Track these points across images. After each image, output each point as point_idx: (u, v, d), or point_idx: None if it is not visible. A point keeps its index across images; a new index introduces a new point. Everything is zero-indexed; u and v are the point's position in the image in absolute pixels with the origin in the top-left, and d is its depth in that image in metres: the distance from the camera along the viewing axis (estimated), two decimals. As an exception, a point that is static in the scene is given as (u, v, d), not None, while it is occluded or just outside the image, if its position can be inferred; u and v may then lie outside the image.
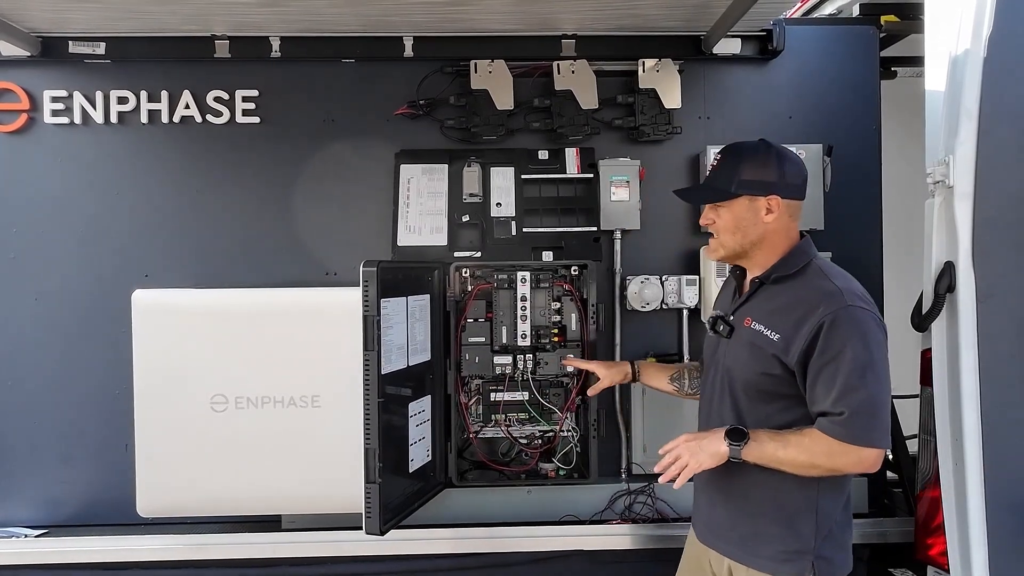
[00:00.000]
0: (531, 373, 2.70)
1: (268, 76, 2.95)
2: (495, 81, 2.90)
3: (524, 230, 2.90)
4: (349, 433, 2.29)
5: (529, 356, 2.71)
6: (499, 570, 2.67)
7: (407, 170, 2.94)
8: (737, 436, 1.86)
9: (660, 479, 1.91)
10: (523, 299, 2.70)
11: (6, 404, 2.88)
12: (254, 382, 2.55)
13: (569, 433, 2.74)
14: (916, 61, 3.14)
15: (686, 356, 2.94)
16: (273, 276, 2.91)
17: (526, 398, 2.71)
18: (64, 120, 2.91)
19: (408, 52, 2.90)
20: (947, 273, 2.20)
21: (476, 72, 2.90)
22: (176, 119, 2.93)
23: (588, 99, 2.92)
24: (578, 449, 2.74)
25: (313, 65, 2.95)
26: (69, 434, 2.89)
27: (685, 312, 2.94)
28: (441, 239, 2.90)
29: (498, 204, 2.92)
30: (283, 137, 2.95)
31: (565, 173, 2.95)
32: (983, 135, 2.15)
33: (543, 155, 2.97)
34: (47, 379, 2.89)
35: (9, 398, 2.88)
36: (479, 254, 2.88)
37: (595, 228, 2.91)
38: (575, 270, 2.75)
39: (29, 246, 2.90)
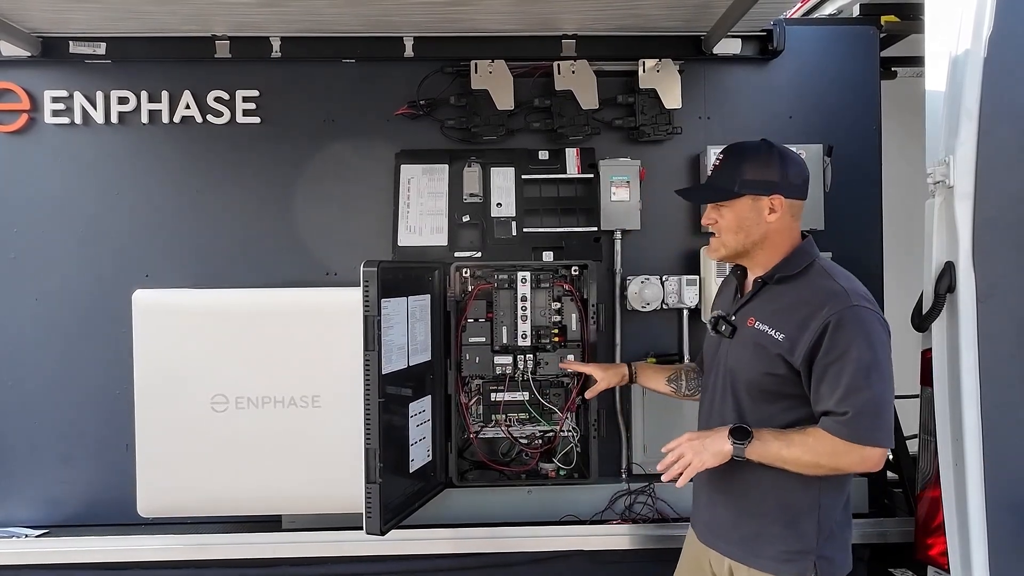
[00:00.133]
0: (531, 373, 2.70)
1: (268, 76, 2.95)
2: (495, 81, 2.90)
3: (524, 230, 2.91)
4: (349, 433, 2.29)
5: (529, 356, 2.71)
6: (499, 570, 2.68)
7: (407, 170, 2.94)
8: (741, 435, 1.86)
9: (663, 478, 1.91)
10: (523, 299, 2.70)
11: (7, 404, 2.89)
12: (255, 382, 2.55)
13: (569, 433, 2.74)
14: (916, 61, 3.14)
15: (686, 356, 2.94)
16: (274, 276, 2.91)
17: (526, 398, 2.71)
18: (65, 120, 2.91)
19: (408, 52, 2.90)
20: (947, 273, 2.20)
21: (476, 72, 2.91)
22: (176, 119, 2.93)
23: (588, 99, 2.92)
24: (578, 449, 2.74)
25: (313, 65, 2.95)
26: (70, 434, 2.89)
27: (685, 312, 2.94)
28: (441, 239, 2.90)
29: (498, 204, 2.93)
30: (283, 137, 2.95)
31: (565, 173, 2.95)
32: (983, 135, 2.15)
33: (543, 155, 2.98)
34: (48, 379, 2.89)
35: (10, 398, 2.88)
36: (479, 254, 2.89)
37: (595, 228, 2.91)
38: (575, 270, 2.75)
39: (29, 246, 2.90)
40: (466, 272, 2.74)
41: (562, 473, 2.73)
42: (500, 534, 2.67)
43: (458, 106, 2.96)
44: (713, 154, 2.78)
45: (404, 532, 2.51)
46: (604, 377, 2.44)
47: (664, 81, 2.92)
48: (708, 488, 2.05)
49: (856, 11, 3.13)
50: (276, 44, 2.88)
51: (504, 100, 2.91)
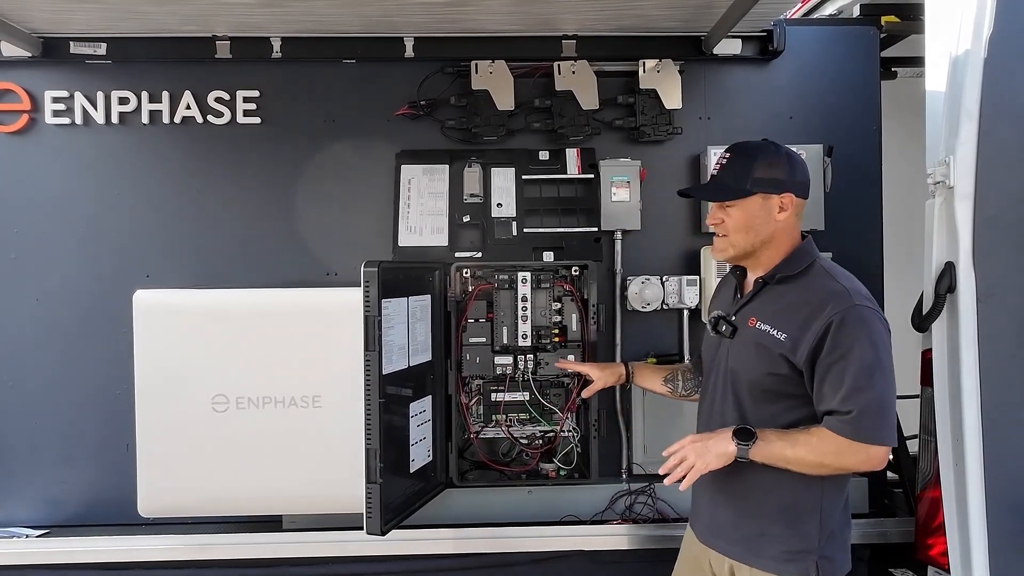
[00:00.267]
0: (532, 373, 2.71)
1: (269, 77, 2.95)
2: (496, 81, 2.91)
3: (525, 230, 2.91)
4: (350, 433, 2.29)
5: (530, 356, 2.71)
6: (500, 570, 2.68)
7: (408, 170, 2.95)
8: (745, 436, 1.86)
9: (666, 481, 1.90)
10: (524, 299, 2.70)
11: (7, 404, 2.89)
12: (255, 382, 2.55)
13: (570, 433, 2.74)
14: (916, 61, 3.14)
15: (686, 357, 2.94)
16: (274, 276, 2.91)
17: (527, 398, 2.71)
18: (65, 120, 2.91)
19: (409, 52, 2.90)
20: (947, 273, 2.20)
21: (477, 72, 2.91)
22: (177, 119, 2.93)
23: (589, 99, 2.92)
24: (579, 449, 2.74)
25: (314, 65, 2.96)
26: (70, 434, 2.89)
27: (686, 312, 2.94)
28: (442, 239, 2.90)
29: (499, 204, 2.93)
30: (284, 137, 2.95)
31: (566, 173, 2.95)
32: (984, 135, 2.15)
33: (544, 155, 2.98)
34: (48, 379, 2.89)
35: (10, 398, 2.89)
36: (480, 254, 2.89)
37: (596, 228, 2.91)
38: (576, 270, 2.75)
39: (30, 246, 2.90)
40: (466, 272, 2.74)
41: (562, 473, 2.74)
42: (500, 534, 2.68)
43: (458, 106, 2.96)
44: (714, 154, 2.79)
45: (405, 532, 2.52)
46: (601, 377, 2.44)
47: (664, 81, 2.92)
48: (709, 488, 2.05)
49: (856, 11, 3.13)
50: (277, 44, 2.88)
51: (504, 100, 2.91)
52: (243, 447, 2.54)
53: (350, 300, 2.30)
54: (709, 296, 2.81)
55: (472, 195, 2.91)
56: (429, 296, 2.63)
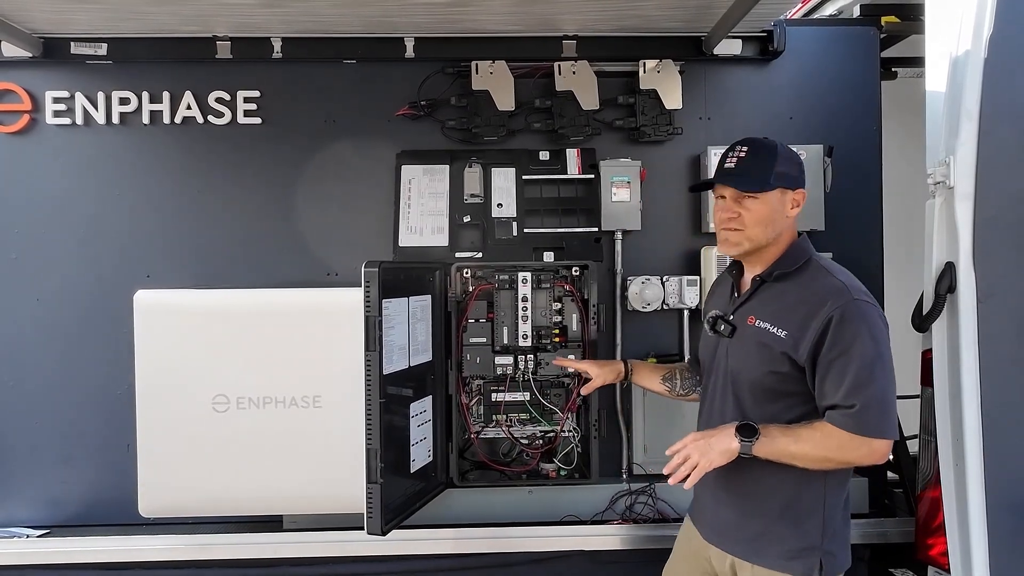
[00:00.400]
0: (532, 373, 2.71)
1: (269, 77, 2.95)
2: (496, 82, 2.91)
3: (525, 231, 2.91)
4: (350, 433, 2.30)
5: (530, 356, 2.71)
6: (500, 570, 2.68)
7: (408, 171, 2.95)
8: (748, 432, 1.86)
9: (670, 481, 1.88)
10: (524, 299, 2.70)
11: (8, 404, 2.89)
12: (256, 382, 2.55)
13: (570, 433, 2.74)
14: (917, 62, 3.14)
15: (687, 356, 2.95)
16: (275, 277, 2.91)
17: (527, 398, 2.72)
18: (66, 121, 2.91)
19: (409, 53, 2.91)
20: (948, 273, 2.20)
21: (477, 73, 2.91)
22: (178, 120, 2.93)
23: (589, 100, 2.92)
24: (579, 449, 2.75)
25: (314, 66, 2.96)
26: (71, 434, 2.89)
27: (686, 312, 2.94)
28: (442, 240, 2.90)
29: (499, 205, 2.93)
30: (284, 138, 2.96)
31: (566, 174, 2.95)
32: (984, 136, 2.16)
33: (544, 156, 2.98)
34: (49, 379, 2.89)
35: (11, 398, 2.89)
36: (480, 255, 2.89)
37: (596, 229, 2.91)
38: (576, 271, 2.75)
39: (30, 246, 2.90)
40: (467, 272, 2.75)
41: (563, 473, 2.74)
42: (501, 534, 2.68)
43: (459, 107, 2.96)
44: (714, 154, 2.79)
45: (405, 532, 2.52)
46: (600, 374, 2.43)
47: (665, 82, 2.92)
48: (712, 487, 2.05)
49: (856, 12, 3.13)
50: (277, 45, 2.88)
51: (505, 101, 2.91)
52: (244, 447, 2.54)
53: (351, 300, 2.31)
54: (709, 296, 2.82)
55: (472, 195, 2.91)
56: (430, 296, 2.63)
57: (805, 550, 1.93)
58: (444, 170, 2.95)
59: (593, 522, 2.78)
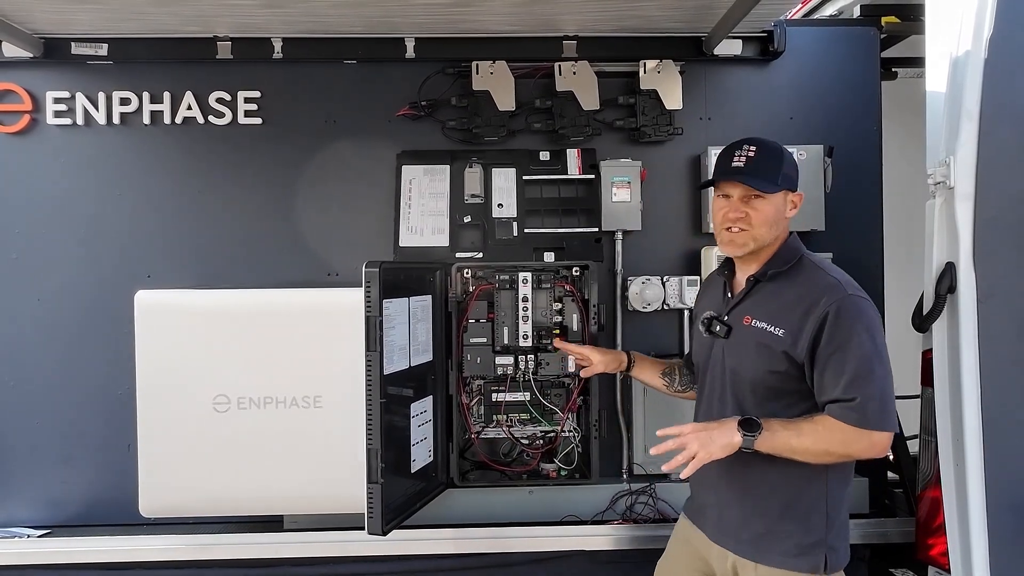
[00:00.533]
0: (532, 374, 2.70)
1: (270, 77, 2.95)
2: (496, 82, 2.91)
3: (526, 231, 2.91)
4: (351, 433, 2.30)
5: (531, 356, 2.71)
6: (501, 570, 2.68)
7: (409, 171, 2.95)
8: (751, 426, 1.85)
9: (663, 467, 1.86)
10: (525, 300, 2.71)
11: (9, 404, 2.89)
12: (256, 382, 2.55)
13: (570, 433, 2.74)
14: (917, 62, 3.14)
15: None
16: (275, 277, 2.92)
17: (527, 398, 2.72)
18: (66, 121, 2.91)
19: (410, 53, 2.91)
20: (948, 274, 2.20)
21: (478, 73, 2.91)
22: (178, 120, 2.93)
23: (589, 100, 2.93)
24: (579, 449, 2.75)
25: (315, 66, 2.96)
26: (71, 434, 2.89)
27: (686, 313, 2.95)
28: (443, 240, 2.91)
29: (500, 205, 2.93)
30: (285, 138, 2.96)
31: (566, 174, 2.96)
32: (984, 136, 2.16)
33: (544, 156, 2.98)
34: (49, 379, 2.89)
35: (12, 398, 2.89)
36: (481, 255, 2.89)
37: (596, 229, 2.91)
38: (576, 271, 2.75)
39: (31, 247, 2.90)
40: (467, 272, 2.75)
41: (563, 473, 2.74)
42: (501, 534, 2.68)
43: (459, 107, 2.96)
44: (714, 154, 2.78)
45: (406, 532, 2.52)
46: (602, 361, 2.42)
47: (665, 82, 2.93)
48: (716, 486, 2.05)
49: (857, 12, 3.14)
50: (278, 45, 2.88)
51: (505, 101, 2.91)
52: (244, 447, 2.54)
53: (351, 300, 2.31)
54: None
55: (473, 195, 2.91)
56: (430, 296, 2.63)
57: (810, 546, 1.93)
58: (445, 170, 2.95)
59: (593, 522, 2.78)
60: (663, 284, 2.90)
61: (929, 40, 2.33)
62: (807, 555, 1.93)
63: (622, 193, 2.90)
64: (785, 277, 1.99)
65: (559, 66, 2.93)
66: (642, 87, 2.93)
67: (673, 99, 2.93)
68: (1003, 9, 2.14)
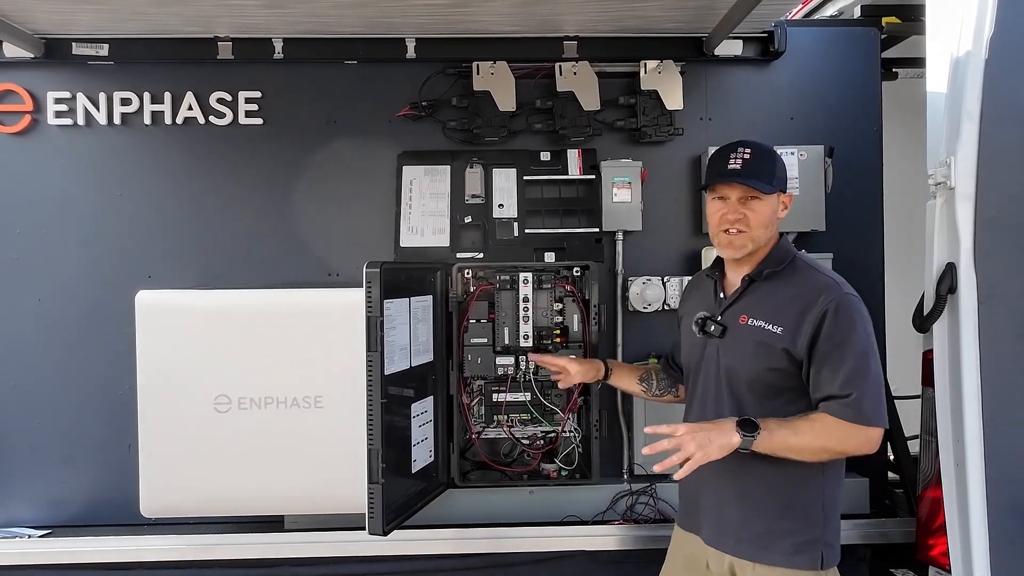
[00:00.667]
0: (533, 374, 2.70)
1: (271, 77, 2.96)
2: (497, 82, 2.91)
3: (526, 231, 2.92)
4: (352, 434, 2.30)
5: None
6: (501, 570, 2.68)
7: (409, 171, 2.95)
8: (749, 427, 1.85)
9: (656, 467, 1.83)
10: (525, 300, 2.71)
11: (10, 404, 2.89)
12: (257, 383, 2.55)
13: (571, 434, 2.74)
14: (917, 62, 3.15)
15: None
16: (276, 277, 2.92)
17: (528, 399, 2.72)
18: (67, 121, 2.92)
19: (410, 54, 2.91)
20: (948, 274, 2.20)
21: (478, 74, 2.91)
22: (179, 120, 2.94)
23: (590, 100, 2.93)
24: (580, 450, 2.75)
25: (316, 66, 2.96)
26: (72, 434, 2.89)
27: (687, 313, 2.94)
28: (443, 240, 2.91)
29: (500, 205, 2.93)
30: (286, 138, 2.96)
31: (567, 174, 2.96)
32: (984, 137, 2.15)
33: (545, 156, 2.98)
34: (50, 379, 2.89)
35: (12, 399, 2.89)
36: (481, 255, 2.90)
37: (597, 229, 2.91)
38: (577, 271, 2.75)
39: (32, 247, 2.91)
40: (468, 273, 2.75)
41: (564, 474, 2.74)
42: (502, 534, 2.68)
43: (460, 107, 2.97)
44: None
45: (406, 532, 2.52)
46: (579, 371, 2.40)
47: (665, 82, 2.93)
48: (716, 487, 2.04)
49: (857, 12, 3.14)
50: (278, 45, 2.89)
51: (506, 101, 2.91)
52: (245, 447, 2.54)
53: (352, 301, 2.31)
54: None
55: (474, 196, 2.92)
56: (431, 297, 2.63)
57: (809, 543, 1.95)
58: (445, 171, 2.95)
59: (594, 522, 2.78)
60: (664, 284, 2.90)
61: (929, 40, 2.32)
62: (806, 552, 1.95)
63: (623, 193, 2.90)
64: (779, 277, 2.01)
65: (560, 66, 2.93)
66: (643, 87, 2.94)
67: (674, 99, 2.94)
68: (1004, 10, 2.13)
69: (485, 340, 2.71)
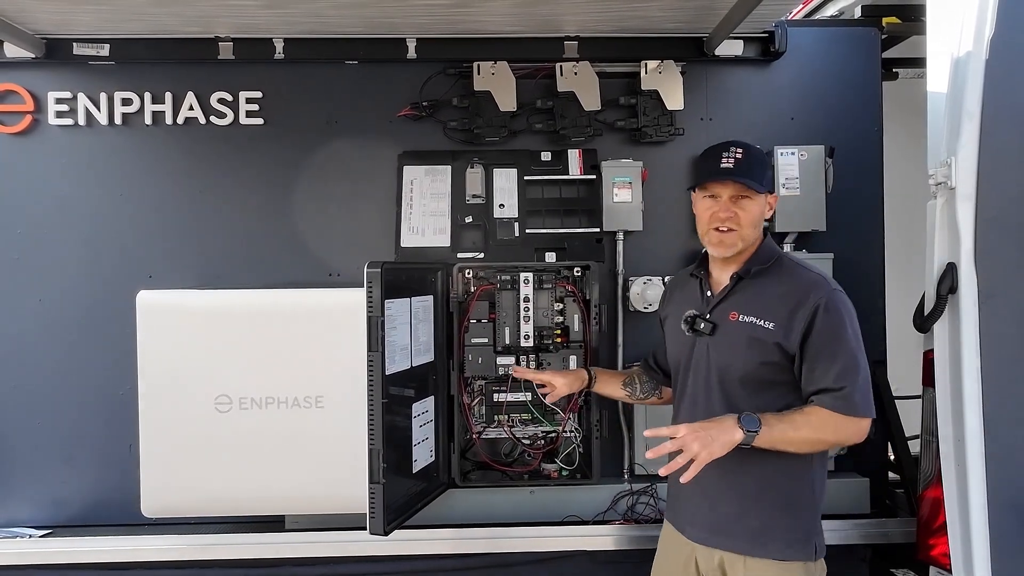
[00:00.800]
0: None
1: (271, 78, 2.96)
2: (498, 83, 2.91)
3: (527, 231, 2.92)
4: (353, 434, 2.30)
5: (532, 357, 2.71)
6: (502, 570, 2.68)
7: (410, 171, 2.95)
8: (751, 422, 1.86)
9: (661, 471, 1.86)
10: (526, 300, 2.71)
11: (10, 405, 2.89)
12: (258, 383, 2.55)
13: (572, 434, 2.75)
14: (918, 62, 3.15)
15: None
16: (277, 277, 2.92)
17: (529, 399, 2.72)
18: (68, 122, 2.92)
19: (411, 54, 2.91)
20: (949, 274, 2.20)
21: (479, 74, 2.91)
22: (180, 121, 2.94)
23: (591, 100, 2.93)
24: (580, 450, 2.75)
25: (316, 67, 2.96)
26: (73, 434, 2.89)
27: (687, 313, 2.94)
28: (444, 240, 2.91)
29: (501, 205, 2.93)
30: (286, 138, 2.96)
31: (568, 174, 2.96)
32: (985, 137, 2.16)
33: (546, 156, 2.98)
34: (51, 380, 2.89)
35: (13, 399, 2.89)
36: (482, 255, 2.90)
37: (598, 229, 2.92)
38: (578, 271, 2.76)
39: (33, 247, 2.91)
40: (469, 273, 2.75)
41: (564, 474, 2.74)
42: (503, 534, 2.68)
43: (461, 107, 2.97)
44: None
45: (407, 532, 2.52)
46: (564, 383, 2.40)
47: (666, 82, 2.93)
48: (705, 484, 2.01)
49: (858, 13, 3.14)
50: (279, 46, 2.89)
51: (506, 101, 2.91)
52: (246, 447, 2.54)
53: (353, 301, 2.31)
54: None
55: (474, 196, 2.92)
56: (432, 297, 2.63)
57: (803, 535, 1.99)
58: (446, 171, 2.95)
59: (595, 522, 2.78)
60: (664, 284, 2.89)
61: (930, 41, 2.33)
62: (800, 545, 1.98)
63: (623, 193, 2.90)
64: (767, 274, 2.05)
65: (560, 67, 2.93)
66: (643, 88, 2.94)
67: (674, 99, 2.94)
68: (1004, 10, 2.13)
69: (486, 340, 2.71)
